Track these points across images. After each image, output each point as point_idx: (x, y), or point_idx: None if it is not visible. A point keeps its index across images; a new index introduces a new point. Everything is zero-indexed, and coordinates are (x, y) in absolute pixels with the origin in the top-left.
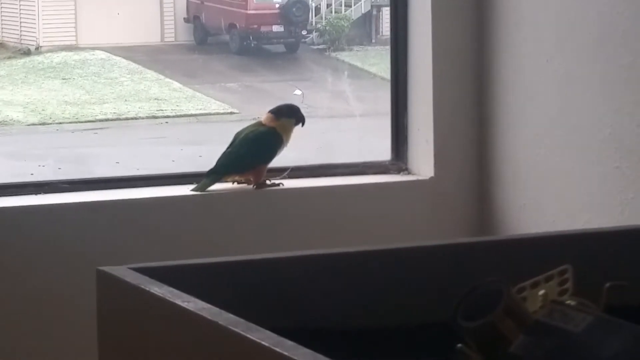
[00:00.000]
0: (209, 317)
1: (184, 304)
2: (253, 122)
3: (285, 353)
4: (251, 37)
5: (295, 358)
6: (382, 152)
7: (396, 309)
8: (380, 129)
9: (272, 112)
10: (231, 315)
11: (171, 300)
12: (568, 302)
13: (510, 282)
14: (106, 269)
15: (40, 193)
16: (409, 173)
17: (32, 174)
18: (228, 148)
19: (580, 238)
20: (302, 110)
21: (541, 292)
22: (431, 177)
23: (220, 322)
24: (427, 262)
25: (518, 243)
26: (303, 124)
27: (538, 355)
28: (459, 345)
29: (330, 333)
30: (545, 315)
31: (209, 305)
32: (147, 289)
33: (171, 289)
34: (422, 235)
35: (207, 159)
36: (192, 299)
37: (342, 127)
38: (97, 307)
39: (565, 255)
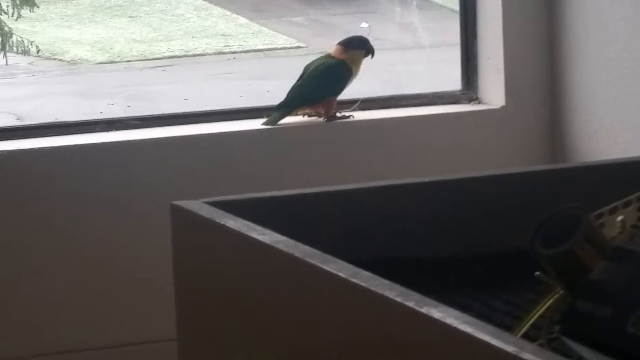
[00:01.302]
0: (285, 250)
1: (260, 237)
2: (321, 55)
3: (362, 284)
4: None
5: (372, 289)
6: (452, 83)
7: (471, 238)
8: (450, 60)
9: (341, 44)
10: (307, 247)
11: (246, 233)
12: None
13: (588, 208)
14: (180, 203)
15: (111, 130)
16: (480, 102)
17: (101, 112)
18: (298, 81)
19: None
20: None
21: (619, 217)
22: (502, 106)
23: (296, 254)
24: (501, 191)
25: (594, 169)
26: (372, 56)
27: (619, 280)
28: (538, 273)
29: (406, 263)
30: (625, 240)
31: (284, 238)
32: (222, 222)
33: (246, 221)
34: (494, 164)
35: (275, 94)
36: (268, 231)
37: (411, 59)
38: (172, 242)
39: None
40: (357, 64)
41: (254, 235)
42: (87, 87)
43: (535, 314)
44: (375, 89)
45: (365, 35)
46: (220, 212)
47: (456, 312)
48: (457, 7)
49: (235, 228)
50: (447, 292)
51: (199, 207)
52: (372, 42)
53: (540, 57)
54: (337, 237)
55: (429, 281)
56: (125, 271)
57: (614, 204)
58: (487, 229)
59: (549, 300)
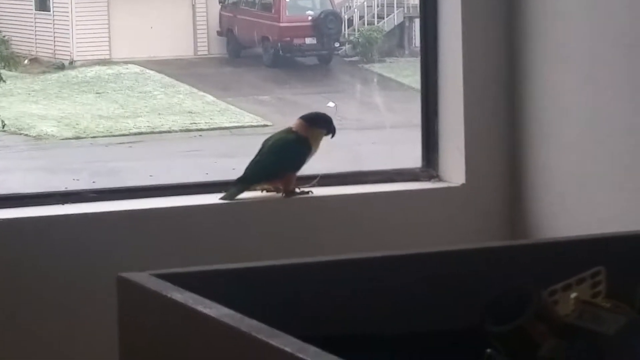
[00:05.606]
0: (231, 323)
1: (206, 310)
2: (282, 129)
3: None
4: (284, 50)
5: None
6: (414, 163)
7: (425, 314)
8: (412, 140)
9: (304, 119)
10: (254, 321)
11: (192, 306)
12: (601, 304)
13: (542, 285)
14: (127, 275)
15: (67, 203)
16: (440, 180)
17: (66, 188)
18: (256, 156)
19: (613, 241)
20: (335, 123)
21: (573, 294)
22: (462, 184)
23: (242, 329)
24: (457, 267)
25: (549, 247)
26: (333, 135)
27: (569, 358)
28: (488, 350)
29: (356, 339)
30: (576, 317)
31: (231, 312)
32: (169, 295)
33: (193, 294)
34: (453, 241)
35: (240, 172)
36: (214, 305)
37: (373, 139)
38: (118, 313)
39: (597, 258)
40: (317, 140)
41: (200, 308)
42: (52, 163)
43: None
44: (339, 168)
45: (332, 114)
46: (167, 284)
47: None
48: None
49: (182, 301)
50: None
51: (146, 279)
52: (337, 122)
53: (500, 137)
54: (287, 312)
55: (379, 357)
56: (73, 342)
57: (567, 281)
58: (441, 305)
59: None
